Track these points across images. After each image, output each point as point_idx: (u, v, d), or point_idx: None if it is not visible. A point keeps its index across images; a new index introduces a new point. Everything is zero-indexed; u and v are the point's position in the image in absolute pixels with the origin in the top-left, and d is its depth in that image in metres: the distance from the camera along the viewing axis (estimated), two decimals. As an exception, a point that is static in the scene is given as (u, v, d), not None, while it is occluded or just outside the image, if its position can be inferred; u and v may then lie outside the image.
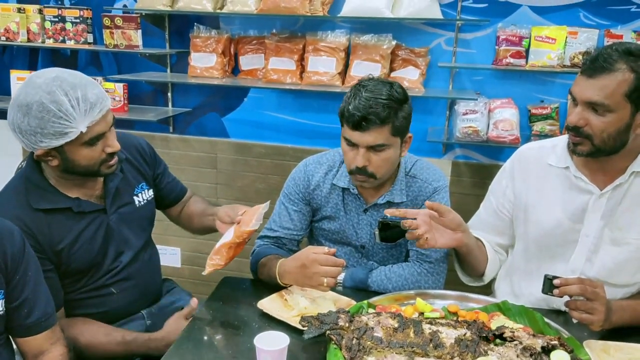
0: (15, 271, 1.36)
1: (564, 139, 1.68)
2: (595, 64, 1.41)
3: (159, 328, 1.85)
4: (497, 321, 1.47)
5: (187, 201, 2.00)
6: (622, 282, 1.62)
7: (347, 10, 2.46)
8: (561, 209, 1.65)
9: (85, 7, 2.81)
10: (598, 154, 1.51)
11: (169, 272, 3.16)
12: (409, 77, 2.57)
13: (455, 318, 1.49)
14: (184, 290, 2.03)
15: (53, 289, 1.53)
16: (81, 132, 1.44)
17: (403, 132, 1.66)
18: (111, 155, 1.55)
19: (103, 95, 1.49)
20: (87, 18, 2.80)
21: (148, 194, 1.79)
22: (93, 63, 3.05)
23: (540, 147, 1.74)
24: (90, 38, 2.84)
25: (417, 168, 1.81)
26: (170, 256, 3.21)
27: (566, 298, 1.44)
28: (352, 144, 1.63)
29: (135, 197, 1.73)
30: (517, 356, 1.28)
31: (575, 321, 1.43)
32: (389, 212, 1.57)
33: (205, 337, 1.46)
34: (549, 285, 1.44)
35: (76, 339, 1.59)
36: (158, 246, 1.94)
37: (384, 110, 1.58)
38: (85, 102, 1.43)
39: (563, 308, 1.53)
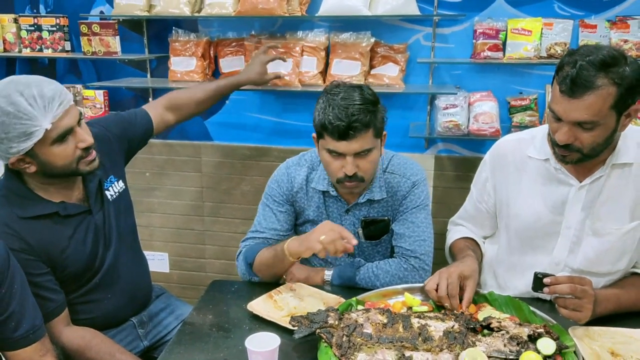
0: (1, 285, 1.35)
1: (542, 130, 1.69)
2: (576, 84, 1.38)
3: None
4: (485, 312, 1.49)
5: (162, 114, 1.99)
6: (605, 271, 1.64)
7: (325, 10, 2.46)
8: (541, 201, 1.66)
9: (62, 15, 2.78)
10: (586, 160, 1.52)
11: (157, 278, 3.15)
12: (389, 73, 2.58)
13: (443, 311, 1.51)
14: (173, 296, 2.03)
15: (53, 291, 1.55)
16: (46, 129, 1.43)
17: (382, 132, 1.67)
18: (86, 150, 1.54)
19: (61, 90, 1.48)
20: (64, 26, 2.77)
21: (118, 186, 1.77)
22: (72, 71, 3.02)
23: (518, 139, 1.74)
24: (67, 46, 2.81)
25: (394, 164, 1.82)
26: (158, 262, 3.20)
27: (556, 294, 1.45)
28: (338, 154, 1.62)
29: (107, 192, 1.72)
30: (505, 345, 1.31)
31: (561, 315, 1.45)
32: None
33: (196, 341, 1.47)
34: (539, 283, 1.45)
35: (83, 352, 1.59)
36: (145, 252, 1.93)
37: (366, 115, 1.57)
38: (42, 99, 1.43)
39: (547, 297, 1.55)
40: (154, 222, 3.14)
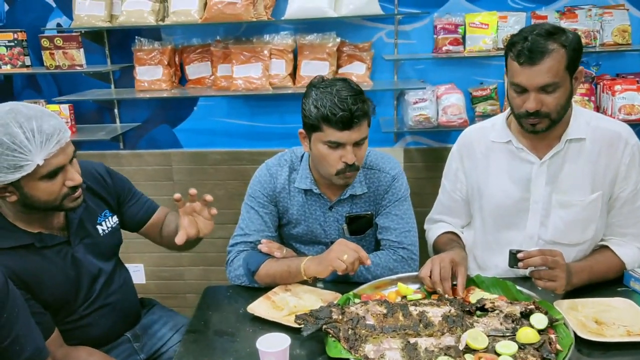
0: (2, 310, 1.34)
1: (500, 117, 1.84)
2: (533, 52, 1.55)
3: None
4: (475, 294, 1.58)
5: (163, 220, 1.93)
6: (574, 241, 1.77)
7: (290, 13, 2.50)
8: (509, 181, 1.79)
9: (20, 30, 2.71)
10: (553, 126, 1.66)
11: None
12: (357, 72, 2.65)
13: (436, 297, 1.58)
14: (165, 307, 2.03)
15: (37, 314, 1.52)
16: (38, 165, 1.40)
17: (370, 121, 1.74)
18: (73, 189, 1.51)
19: (61, 127, 1.44)
20: (22, 40, 2.70)
21: (112, 221, 1.75)
22: (30, 86, 2.95)
23: (481, 127, 1.89)
24: (27, 61, 2.74)
25: (372, 159, 1.88)
26: (134, 273, 3.11)
27: (531, 268, 1.56)
28: (337, 145, 1.65)
29: (98, 227, 1.70)
30: (501, 324, 1.39)
31: (540, 288, 1.56)
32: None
33: (203, 348, 1.48)
34: (514, 259, 1.55)
35: None
36: (122, 265, 1.91)
37: (363, 104, 1.63)
38: (40, 134, 1.39)
39: (523, 272, 1.66)
40: (128, 233, 3.08)
